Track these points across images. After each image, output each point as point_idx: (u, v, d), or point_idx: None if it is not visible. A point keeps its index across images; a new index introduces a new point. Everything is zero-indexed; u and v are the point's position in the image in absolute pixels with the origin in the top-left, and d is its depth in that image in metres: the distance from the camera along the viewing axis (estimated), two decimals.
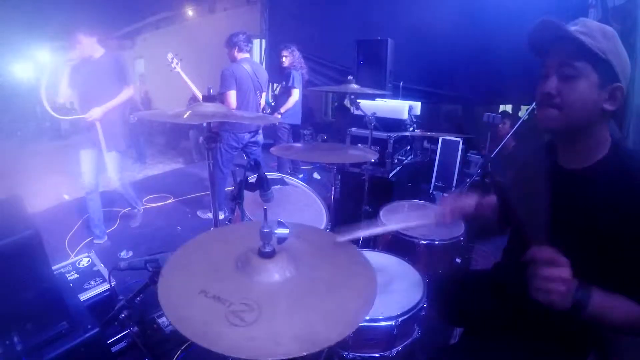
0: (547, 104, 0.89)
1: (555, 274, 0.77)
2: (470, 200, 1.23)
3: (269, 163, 4.62)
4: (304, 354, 0.61)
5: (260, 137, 3.33)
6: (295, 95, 4.00)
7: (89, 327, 1.15)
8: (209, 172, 1.47)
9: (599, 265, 0.86)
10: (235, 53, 3.11)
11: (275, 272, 0.80)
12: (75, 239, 2.98)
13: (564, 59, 0.86)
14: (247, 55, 3.17)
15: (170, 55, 2.93)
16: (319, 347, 0.63)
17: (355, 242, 1.97)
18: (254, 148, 3.34)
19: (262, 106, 3.48)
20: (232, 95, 2.98)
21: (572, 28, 0.85)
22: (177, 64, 2.95)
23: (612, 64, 0.83)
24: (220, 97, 2.95)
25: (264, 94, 3.39)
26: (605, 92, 0.85)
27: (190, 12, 9.06)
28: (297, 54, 4.16)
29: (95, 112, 2.55)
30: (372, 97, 3.13)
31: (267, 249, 0.81)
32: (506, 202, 1.18)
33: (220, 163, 3.14)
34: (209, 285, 0.76)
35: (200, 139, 6.76)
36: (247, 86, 3.09)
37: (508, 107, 4.46)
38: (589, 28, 0.85)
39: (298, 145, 2.00)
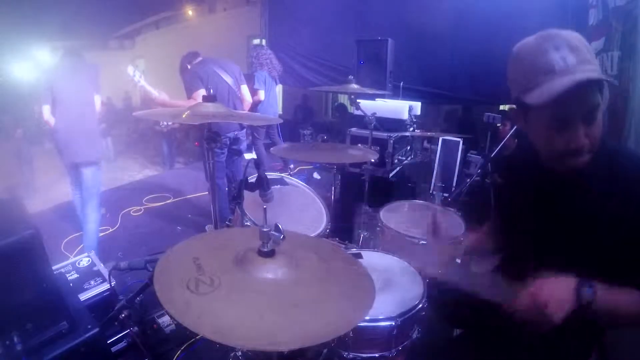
0: (578, 154, 0.84)
1: (536, 303, 0.79)
2: (458, 251, 1.26)
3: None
4: (211, 337, 0.63)
5: (243, 145, 3.02)
6: (260, 95, 3.98)
7: (89, 327, 1.15)
8: (209, 172, 1.47)
9: (595, 261, 0.87)
10: (190, 66, 2.89)
11: (264, 272, 0.81)
12: (74, 240, 2.98)
13: (591, 105, 0.80)
14: (201, 58, 2.93)
15: (131, 69, 2.59)
16: (232, 342, 0.64)
17: (355, 242, 1.97)
18: (235, 157, 3.02)
19: (247, 102, 3.06)
20: (200, 97, 2.56)
21: (576, 59, 0.78)
22: (140, 77, 2.63)
23: (602, 76, 0.80)
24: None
25: (245, 87, 3.03)
26: (604, 104, 0.83)
27: (190, 12, 9.06)
28: (263, 53, 4.13)
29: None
30: (372, 97, 3.12)
31: (265, 249, 0.82)
32: (501, 202, 1.18)
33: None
34: (204, 257, 0.83)
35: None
36: (216, 83, 2.76)
37: (508, 107, 4.46)
38: (580, 51, 0.79)
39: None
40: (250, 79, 3.99)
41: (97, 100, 2.66)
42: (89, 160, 2.59)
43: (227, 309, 0.71)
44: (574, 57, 0.78)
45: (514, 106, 0.93)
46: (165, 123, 5.94)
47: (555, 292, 0.80)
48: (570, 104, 0.79)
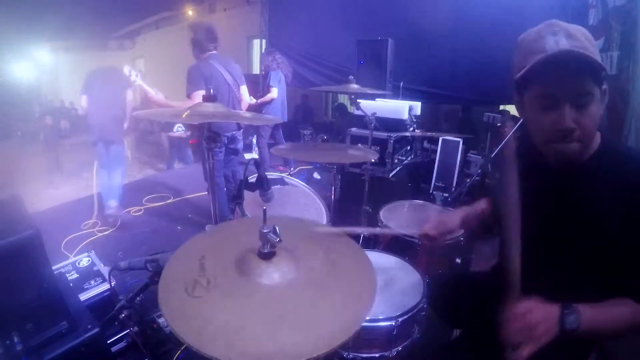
0: (567, 139, 0.83)
1: (526, 325, 0.80)
2: (455, 218, 1.22)
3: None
4: (193, 345, 0.61)
5: (240, 145, 3.04)
6: (273, 93, 4.14)
7: (89, 327, 1.15)
8: (209, 171, 1.47)
9: (594, 262, 0.87)
10: (198, 53, 2.83)
11: (261, 275, 0.78)
12: (74, 240, 2.98)
13: (581, 88, 0.79)
14: (213, 52, 2.86)
15: (127, 69, 2.73)
16: (206, 351, 0.61)
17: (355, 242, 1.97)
18: (232, 156, 3.03)
19: (245, 102, 3.10)
20: (199, 97, 2.54)
21: (570, 44, 0.78)
22: (136, 75, 2.72)
23: (603, 68, 0.79)
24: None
25: (244, 88, 3.04)
26: (602, 100, 0.83)
27: (190, 12, 9.08)
28: (277, 56, 4.34)
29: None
30: (372, 97, 3.13)
31: (265, 250, 0.80)
32: (497, 201, 1.18)
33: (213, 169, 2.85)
34: (210, 256, 0.80)
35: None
36: (218, 84, 2.78)
37: (508, 107, 4.46)
38: (577, 39, 0.79)
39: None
40: (266, 77, 4.22)
41: (129, 94, 3.38)
42: (114, 137, 3.40)
43: (216, 314, 0.69)
44: (567, 42, 0.79)
45: (515, 95, 0.93)
46: (179, 128, 6.17)
47: (542, 320, 0.81)
48: (555, 80, 0.80)
